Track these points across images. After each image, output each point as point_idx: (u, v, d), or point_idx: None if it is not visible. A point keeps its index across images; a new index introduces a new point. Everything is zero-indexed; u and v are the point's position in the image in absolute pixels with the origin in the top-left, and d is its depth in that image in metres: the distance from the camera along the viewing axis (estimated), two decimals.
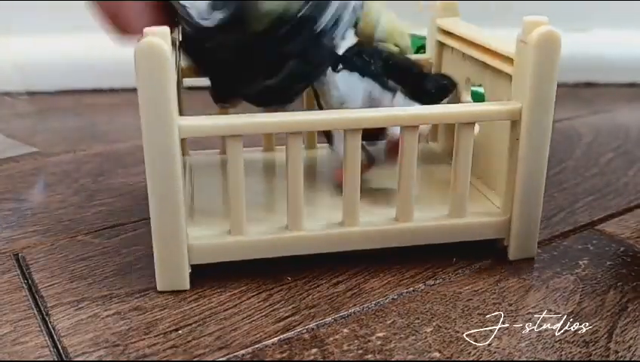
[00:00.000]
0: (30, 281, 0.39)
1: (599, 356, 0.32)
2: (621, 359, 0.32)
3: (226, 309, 0.36)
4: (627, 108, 0.80)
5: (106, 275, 0.40)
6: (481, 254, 0.41)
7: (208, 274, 0.39)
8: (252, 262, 0.39)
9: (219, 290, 0.38)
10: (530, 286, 0.38)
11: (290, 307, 0.36)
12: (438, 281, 0.39)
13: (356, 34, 0.42)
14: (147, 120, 0.35)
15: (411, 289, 0.38)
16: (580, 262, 0.41)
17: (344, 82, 0.40)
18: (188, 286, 0.38)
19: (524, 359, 0.32)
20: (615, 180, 0.55)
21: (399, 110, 0.38)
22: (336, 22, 0.38)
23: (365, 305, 0.36)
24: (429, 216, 0.40)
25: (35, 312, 0.36)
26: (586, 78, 0.90)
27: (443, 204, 0.41)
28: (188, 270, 0.37)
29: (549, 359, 0.32)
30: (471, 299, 0.37)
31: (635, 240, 0.44)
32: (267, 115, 0.37)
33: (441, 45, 0.50)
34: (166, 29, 0.34)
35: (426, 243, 0.40)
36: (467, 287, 0.38)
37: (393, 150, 0.40)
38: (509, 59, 0.40)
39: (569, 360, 0.32)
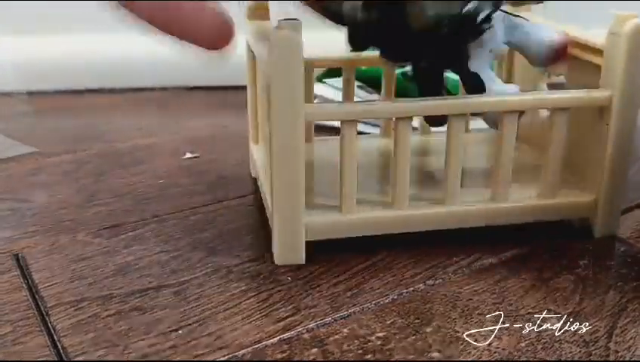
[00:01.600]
0: (30, 281, 0.39)
1: (599, 356, 0.32)
2: (621, 359, 0.32)
3: (226, 309, 0.36)
4: None
5: (106, 275, 0.40)
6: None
7: (208, 275, 0.39)
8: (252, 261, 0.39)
9: (219, 290, 0.38)
10: (530, 286, 0.38)
11: (290, 307, 0.36)
12: (438, 281, 0.39)
13: None
14: (278, 105, 0.37)
15: (411, 289, 0.38)
16: (580, 262, 0.41)
17: None
18: (303, 261, 0.41)
19: (524, 359, 0.32)
20: None
21: (501, 97, 0.41)
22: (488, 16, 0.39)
23: (365, 305, 0.37)
24: (522, 197, 0.44)
25: (35, 312, 0.36)
26: None
27: (527, 187, 0.44)
28: (304, 246, 0.41)
29: (549, 359, 0.32)
30: (471, 299, 0.37)
31: (635, 240, 0.44)
32: (384, 102, 0.41)
33: None
34: (298, 22, 0.36)
35: (520, 222, 0.44)
36: (467, 287, 0.38)
37: (556, 54, 0.43)
38: (596, 51, 0.43)
39: (569, 360, 0.32)
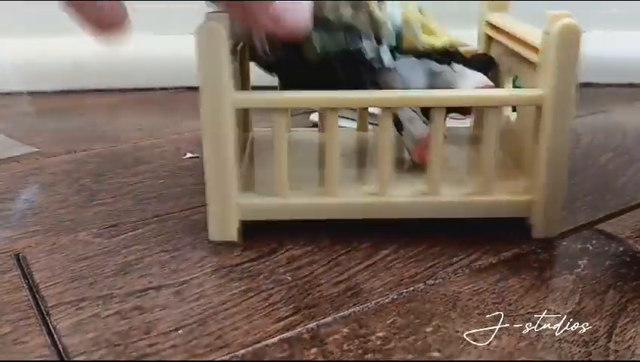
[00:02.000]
0: (31, 281, 0.39)
1: (599, 356, 0.32)
2: (621, 358, 0.32)
3: (227, 309, 0.36)
4: (626, 108, 0.80)
5: (107, 275, 0.40)
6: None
7: (208, 276, 0.39)
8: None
9: (219, 290, 0.38)
10: (529, 286, 0.38)
11: (290, 307, 0.36)
12: (438, 281, 0.39)
13: (401, 49, 0.46)
14: (205, 91, 0.40)
15: (411, 288, 0.38)
16: (580, 262, 0.41)
17: (404, 67, 0.45)
18: (236, 239, 0.43)
19: (524, 359, 0.32)
20: (614, 180, 0.55)
21: (432, 93, 0.43)
22: (379, 41, 0.44)
23: (365, 305, 0.37)
24: (457, 193, 0.44)
25: (36, 312, 0.36)
26: (585, 79, 0.90)
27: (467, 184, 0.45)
28: (237, 225, 0.43)
29: (548, 359, 0.32)
30: (471, 299, 0.37)
31: (634, 239, 0.44)
32: (310, 92, 0.42)
33: (489, 39, 0.55)
34: (225, 15, 0.39)
35: (452, 217, 0.44)
36: (467, 287, 0.38)
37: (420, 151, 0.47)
38: (536, 50, 0.43)
39: (569, 359, 0.32)
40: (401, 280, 0.39)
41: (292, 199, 0.43)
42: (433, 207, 0.44)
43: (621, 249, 0.43)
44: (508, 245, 0.43)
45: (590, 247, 0.43)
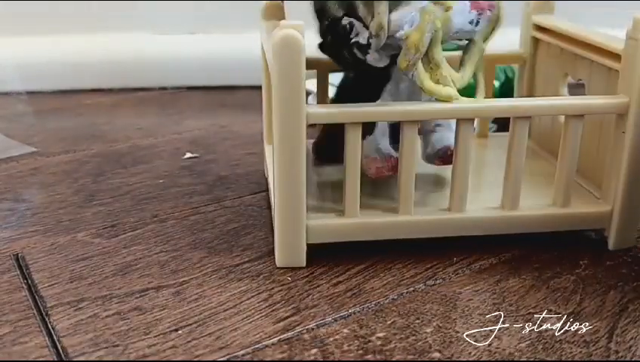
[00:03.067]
0: (30, 281, 0.39)
1: (600, 356, 0.32)
2: (621, 359, 0.32)
3: (226, 309, 0.36)
4: None
5: (106, 275, 0.39)
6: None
7: (208, 275, 0.39)
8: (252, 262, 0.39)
9: (219, 290, 0.38)
10: (530, 286, 0.38)
11: (290, 307, 0.36)
12: (438, 281, 0.39)
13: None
14: (279, 105, 0.37)
15: (411, 289, 0.38)
16: (581, 262, 0.41)
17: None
18: (304, 264, 0.40)
19: (525, 359, 0.32)
20: None
21: (508, 102, 0.41)
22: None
23: (365, 305, 0.36)
24: (535, 205, 0.43)
25: (35, 312, 0.36)
26: None
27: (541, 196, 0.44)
28: (305, 249, 0.40)
29: (549, 359, 0.32)
30: (471, 299, 0.37)
31: (635, 240, 0.44)
32: (381, 104, 0.40)
33: (537, 41, 0.53)
34: (301, 23, 0.36)
35: (532, 231, 0.42)
36: (467, 287, 0.38)
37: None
38: (616, 56, 0.41)
39: (569, 360, 0.32)
40: (401, 280, 0.39)
41: (365, 219, 0.41)
42: (510, 222, 0.42)
43: (622, 249, 0.43)
44: (508, 245, 0.43)
45: (591, 247, 0.43)
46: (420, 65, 0.38)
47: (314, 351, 0.33)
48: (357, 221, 0.41)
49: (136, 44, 0.85)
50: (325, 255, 0.41)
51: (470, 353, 0.33)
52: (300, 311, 0.36)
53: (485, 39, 0.41)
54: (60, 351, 0.33)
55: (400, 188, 0.40)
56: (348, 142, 0.39)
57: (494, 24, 0.41)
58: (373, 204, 0.43)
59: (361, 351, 0.33)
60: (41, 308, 0.36)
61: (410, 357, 0.32)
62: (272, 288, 0.38)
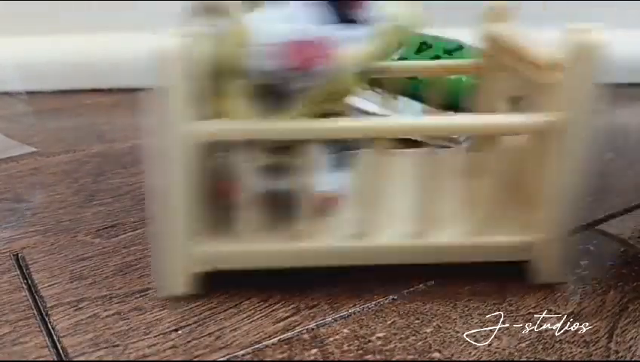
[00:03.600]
0: (30, 281, 0.39)
1: (600, 356, 0.32)
2: (621, 359, 0.32)
3: (226, 309, 0.36)
4: (627, 108, 0.80)
5: (106, 275, 0.39)
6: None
7: (208, 275, 0.39)
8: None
9: (218, 291, 0.38)
10: (530, 287, 0.38)
11: (290, 307, 0.36)
12: (438, 282, 0.39)
13: None
14: (160, 121, 0.34)
15: (411, 289, 0.38)
16: (581, 263, 0.41)
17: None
18: (191, 292, 0.37)
19: (525, 359, 0.32)
20: (615, 181, 0.55)
21: (426, 120, 0.36)
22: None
23: (365, 306, 0.36)
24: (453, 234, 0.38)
25: (35, 312, 0.36)
26: None
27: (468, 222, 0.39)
28: (189, 276, 0.37)
29: (549, 359, 0.32)
30: (471, 299, 0.37)
31: (635, 240, 0.44)
32: (276, 121, 0.35)
33: (485, 52, 0.48)
34: (198, 29, 0.34)
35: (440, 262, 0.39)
36: (467, 287, 0.38)
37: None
38: (549, 71, 0.36)
39: (569, 360, 0.32)
40: (402, 280, 0.39)
41: (260, 245, 0.37)
42: (418, 251, 0.38)
43: (622, 249, 0.43)
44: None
45: (591, 248, 0.43)
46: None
47: (314, 351, 0.33)
48: (249, 248, 0.37)
49: (136, 44, 0.85)
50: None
51: (470, 353, 0.33)
52: (299, 311, 0.36)
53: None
54: (60, 351, 0.33)
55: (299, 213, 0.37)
56: (239, 161, 0.36)
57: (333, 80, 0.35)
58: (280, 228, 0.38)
59: (361, 351, 0.33)
60: (41, 308, 0.36)
61: (410, 358, 0.32)
62: (272, 288, 0.38)
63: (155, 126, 0.34)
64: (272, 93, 0.36)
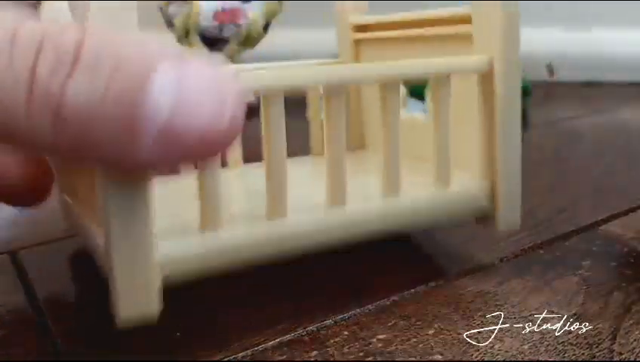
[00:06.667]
0: (28, 282, 0.39)
1: (602, 358, 0.32)
2: (625, 360, 0.32)
3: (226, 310, 0.36)
4: (629, 107, 0.79)
5: (106, 275, 0.39)
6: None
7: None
8: None
9: (218, 291, 0.38)
10: (532, 288, 0.38)
11: (290, 309, 0.36)
12: (439, 282, 0.39)
13: None
14: None
15: (412, 290, 0.38)
16: (583, 263, 0.41)
17: None
18: (157, 309, 0.30)
19: (527, 361, 0.32)
20: (618, 180, 0.54)
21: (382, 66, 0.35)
22: None
23: (366, 307, 0.36)
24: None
25: (32, 314, 0.36)
26: (587, 77, 0.89)
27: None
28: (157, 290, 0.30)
29: (551, 361, 0.32)
30: (473, 301, 0.37)
31: (639, 240, 0.44)
32: None
33: (358, 43, 0.47)
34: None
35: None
36: (469, 288, 0.38)
37: None
38: (464, 20, 0.38)
39: (572, 361, 0.32)
40: (402, 281, 0.39)
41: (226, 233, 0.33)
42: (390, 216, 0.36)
43: (625, 250, 0.43)
44: (509, 245, 0.42)
45: (594, 248, 0.43)
46: None
47: (314, 353, 0.32)
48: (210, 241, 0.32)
49: None
50: (325, 254, 0.41)
51: (472, 355, 0.32)
52: (299, 312, 0.36)
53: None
54: (60, 351, 0.33)
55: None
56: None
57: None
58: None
59: (362, 353, 0.32)
60: (38, 309, 0.36)
61: (411, 359, 0.32)
62: (272, 288, 0.38)
63: None
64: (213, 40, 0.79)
